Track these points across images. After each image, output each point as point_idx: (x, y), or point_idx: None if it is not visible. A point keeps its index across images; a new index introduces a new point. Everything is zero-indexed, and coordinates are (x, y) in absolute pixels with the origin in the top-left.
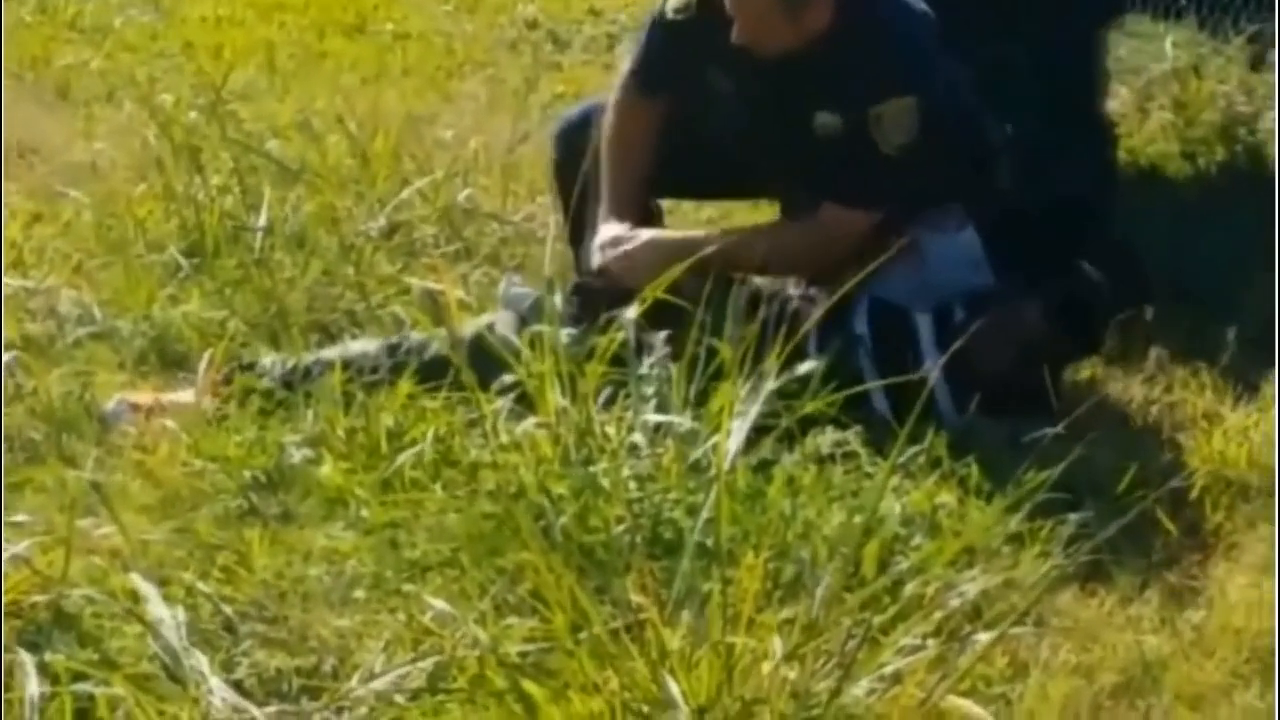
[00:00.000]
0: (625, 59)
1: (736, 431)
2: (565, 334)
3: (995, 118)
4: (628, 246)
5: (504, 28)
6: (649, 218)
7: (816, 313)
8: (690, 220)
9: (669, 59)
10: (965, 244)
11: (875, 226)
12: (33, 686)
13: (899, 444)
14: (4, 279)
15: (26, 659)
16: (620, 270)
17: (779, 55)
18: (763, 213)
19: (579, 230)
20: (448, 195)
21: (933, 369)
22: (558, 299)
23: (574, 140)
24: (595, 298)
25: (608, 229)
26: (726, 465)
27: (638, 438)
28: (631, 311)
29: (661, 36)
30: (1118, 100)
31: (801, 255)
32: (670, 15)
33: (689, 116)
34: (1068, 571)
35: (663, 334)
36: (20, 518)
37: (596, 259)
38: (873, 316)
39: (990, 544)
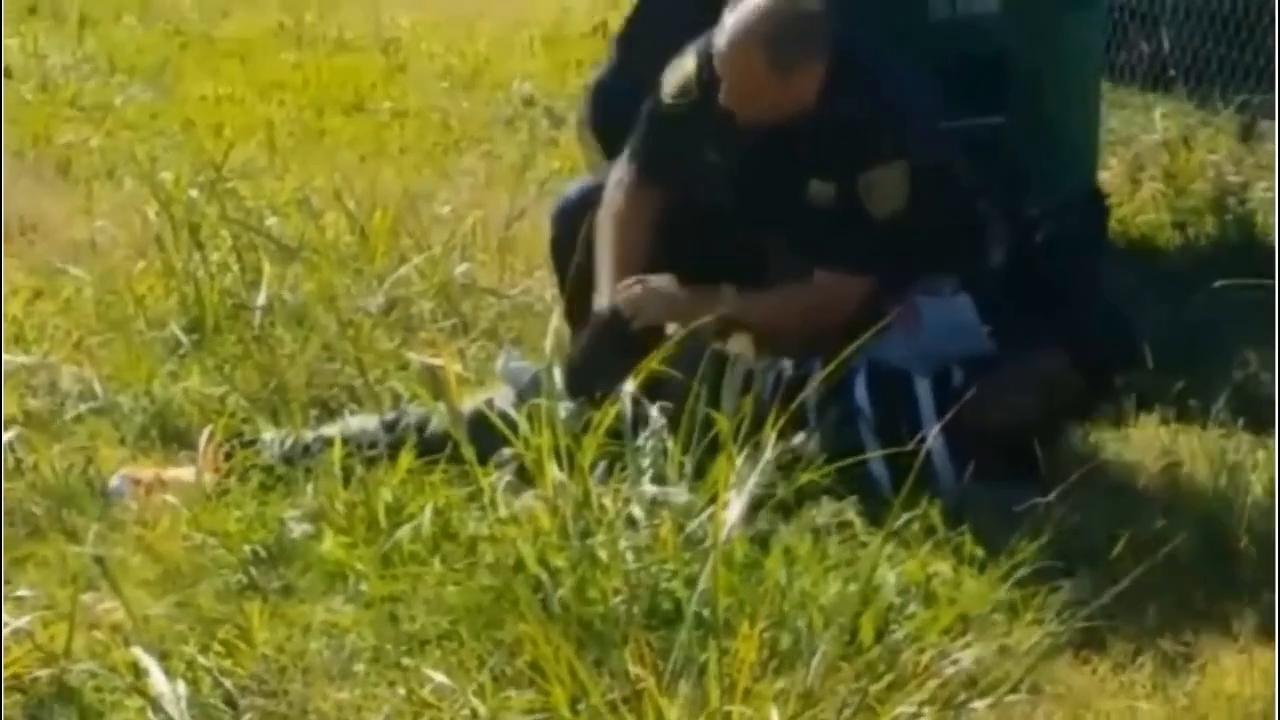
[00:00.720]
0: (627, 146)
1: (734, 503)
2: (563, 408)
3: (985, 187)
4: (638, 288)
5: (501, 105)
6: None
7: (813, 383)
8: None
9: (669, 147)
10: (960, 309)
11: (870, 293)
12: None
13: (894, 514)
14: (5, 355)
15: None
16: (631, 308)
17: (770, 125)
18: None
19: (575, 307)
20: (445, 271)
21: (932, 433)
22: (556, 373)
23: (572, 219)
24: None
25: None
26: (724, 536)
27: (635, 510)
28: (629, 385)
29: (661, 124)
30: (1108, 171)
31: (796, 317)
32: (669, 102)
33: (688, 199)
34: (1061, 639)
35: (659, 407)
36: (22, 592)
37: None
38: (872, 382)
39: (985, 612)
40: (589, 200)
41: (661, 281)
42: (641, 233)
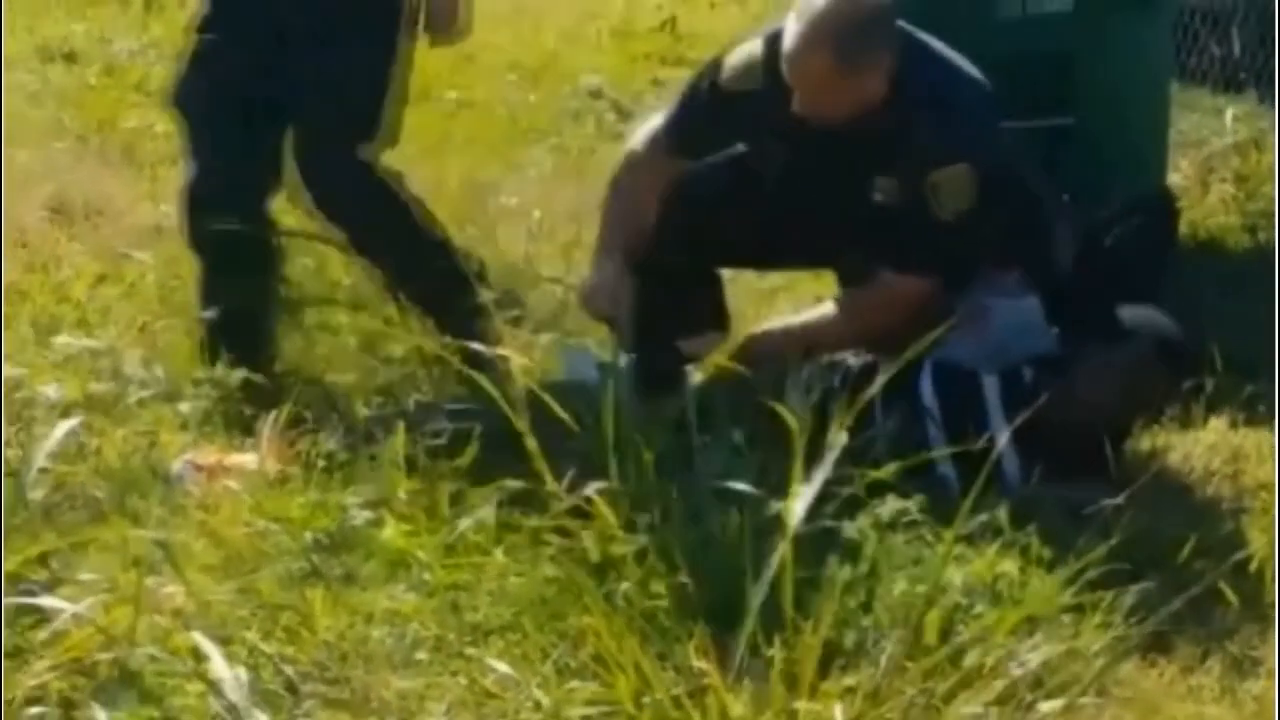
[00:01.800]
0: (656, 121)
1: (800, 498)
2: (630, 399)
3: (1053, 188)
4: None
5: (567, 97)
6: None
7: (880, 380)
8: (753, 290)
9: (709, 125)
10: (1028, 309)
11: (933, 293)
12: None
13: (962, 515)
14: (68, 338)
15: (98, 715)
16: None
17: (837, 124)
18: (825, 281)
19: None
20: (511, 263)
21: (1001, 433)
22: (622, 365)
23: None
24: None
25: (602, 271)
26: (790, 532)
27: (700, 503)
28: (695, 380)
29: (707, 104)
30: (1179, 173)
31: (862, 327)
32: (725, 84)
33: (748, 186)
34: (1129, 642)
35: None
36: (85, 576)
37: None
38: (939, 381)
39: (1052, 614)
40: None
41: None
42: (653, 202)
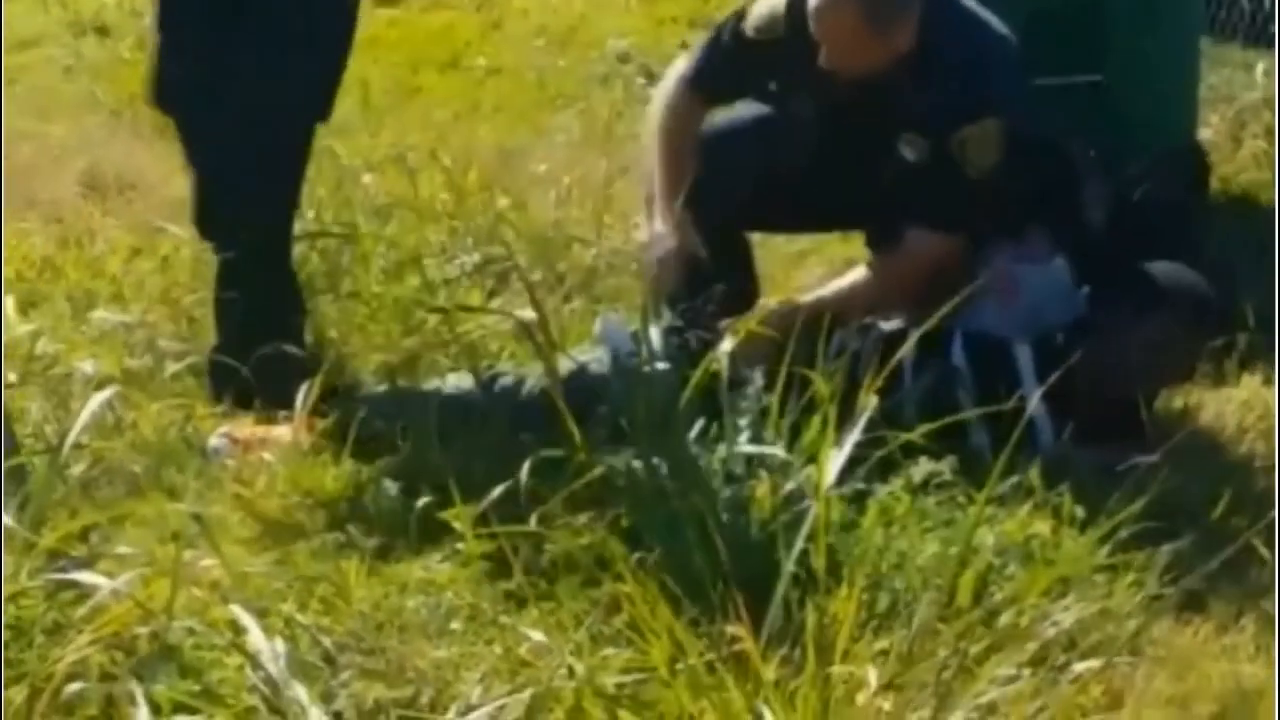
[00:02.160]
0: (682, 64)
1: (832, 462)
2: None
3: (1082, 145)
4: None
5: (595, 62)
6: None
7: (910, 343)
8: (781, 254)
9: (732, 72)
10: (1056, 273)
11: (965, 257)
12: (142, 717)
13: (994, 477)
14: (104, 313)
15: (136, 690)
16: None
17: (863, 79)
18: (854, 243)
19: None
20: (541, 228)
21: (1033, 397)
22: (654, 333)
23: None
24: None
25: (660, 225)
26: (822, 495)
27: (732, 469)
28: (726, 345)
29: (731, 50)
30: (1210, 129)
31: (892, 289)
32: (749, 33)
33: (774, 145)
34: (1163, 601)
35: (757, 366)
36: (122, 550)
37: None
38: (970, 348)
39: (1085, 574)
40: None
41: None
42: (692, 141)
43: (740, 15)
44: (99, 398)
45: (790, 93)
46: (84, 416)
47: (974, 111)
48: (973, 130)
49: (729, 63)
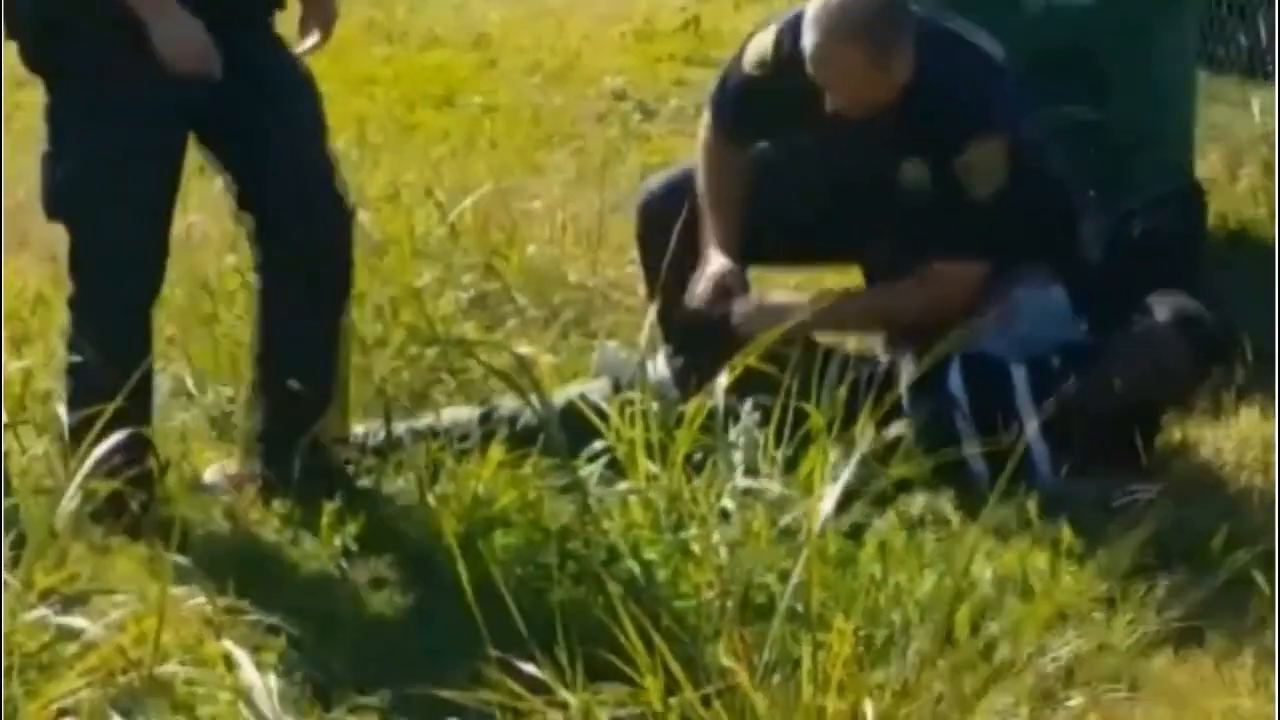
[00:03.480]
0: (705, 113)
1: (828, 496)
2: (656, 401)
3: (1080, 181)
4: (745, 308)
5: (592, 100)
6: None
7: (907, 375)
8: (776, 286)
9: (749, 110)
10: (1056, 299)
11: (986, 277)
12: None
13: (990, 506)
14: None
15: None
16: (745, 323)
17: (863, 116)
18: (852, 277)
19: (667, 300)
20: (536, 265)
21: (1031, 423)
22: (655, 365)
23: (657, 211)
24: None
25: (717, 261)
26: (817, 529)
27: (728, 503)
28: (722, 379)
29: (740, 89)
30: (1207, 164)
31: (915, 312)
32: (749, 70)
33: (772, 180)
34: (1161, 635)
35: (751, 400)
36: (113, 587)
37: (703, 289)
38: (967, 371)
39: (1083, 607)
40: (673, 192)
41: (780, 295)
42: (740, 193)
43: (740, 57)
44: (105, 445)
45: (796, 126)
46: (89, 463)
47: (976, 132)
48: (976, 152)
49: (742, 102)
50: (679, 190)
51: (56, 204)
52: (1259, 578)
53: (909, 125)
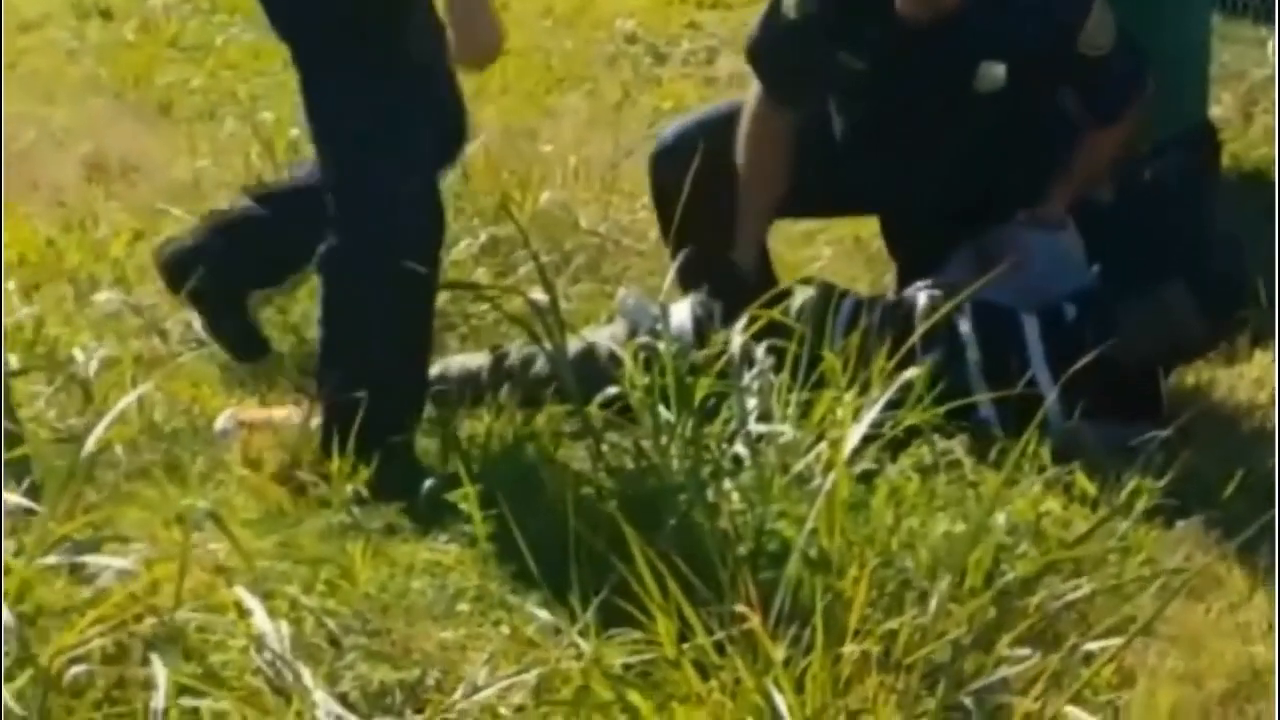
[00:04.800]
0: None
1: (848, 439)
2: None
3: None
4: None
5: (603, 43)
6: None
7: (923, 325)
8: (786, 233)
9: (796, 64)
10: (1068, 243)
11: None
12: (159, 700)
13: (1011, 458)
14: (109, 295)
15: (159, 670)
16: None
17: (930, 17)
18: (860, 224)
19: (683, 245)
20: (547, 210)
21: (1042, 372)
22: (674, 312)
23: (671, 162)
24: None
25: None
26: (834, 475)
27: (741, 449)
28: (739, 326)
29: (784, 42)
30: (1220, 106)
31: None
32: (791, 16)
33: (822, 123)
34: (1175, 580)
35: (765, 344)
36: (127, 533)
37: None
38: (977, 318)
39: (1097, 552)
40: (686, 142)
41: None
42: (779, 158)
43: (776, 5)
44: (129, 398)
45: (837, 54)
46: (111, 415)
47: (1055, 30)
48: (1090, 19)
49: (791, 56)
50: (692, 138)
51: None
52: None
53: (978, 19)
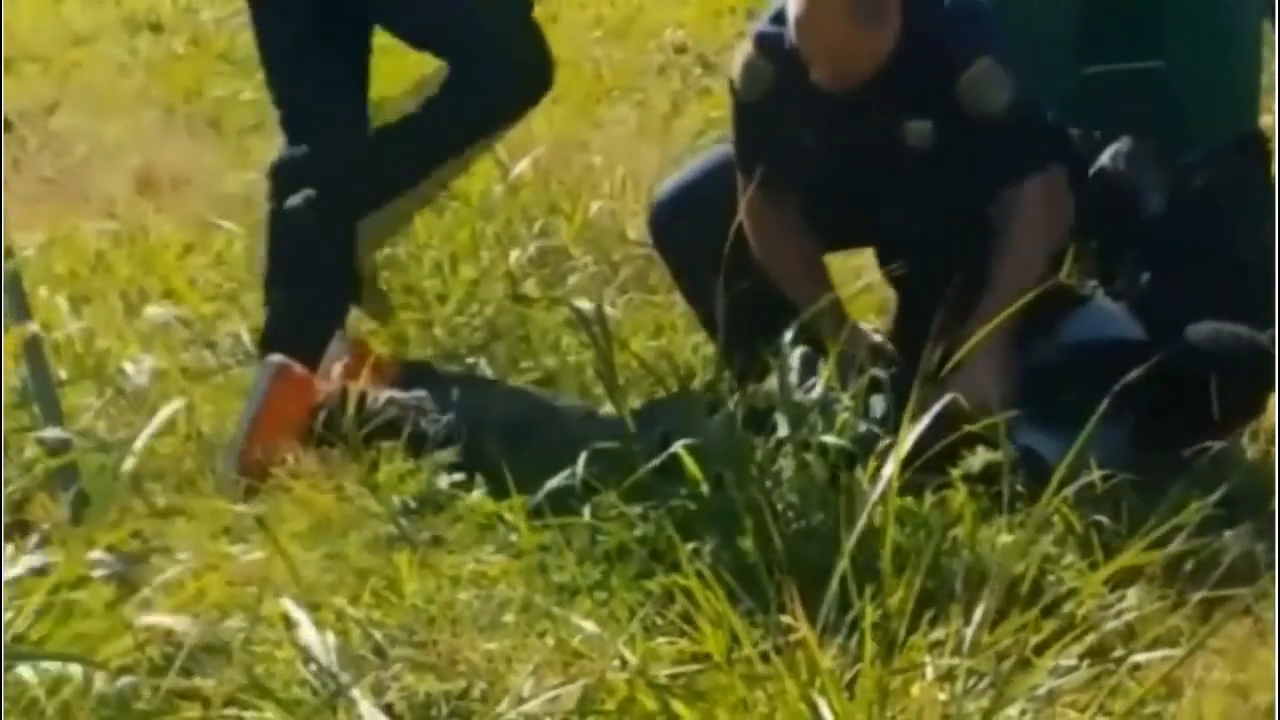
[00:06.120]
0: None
1: (897, 450)
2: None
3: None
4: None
5: (653, 53)
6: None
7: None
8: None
9: (764, 144)
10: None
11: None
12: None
13: (1055, 481)
14: (158, 309)
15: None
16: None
17: (856, 85)
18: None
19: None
20: (596, 221)
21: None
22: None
23: (668, 221)
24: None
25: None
26: (884, 486)
27: (787, 459)
28: (787, 335)
29: (749, 125)
30: (1271, 115)
31: (1047, 236)
32: (745, 99)
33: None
34: (1225, 592)
35: (812, 355)
36: (174, 544)
37: None
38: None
39: (1146, 563)
40: (684, 197)
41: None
42: (792, 235)
43: (734, 90)
44: (171, 407)
45: (795, 129)
46: (155, 423)
47: (967, 54)
48: (974, 70)
49: (759, 138)
50: (690, 194)
51: None
52: None
53: (903, 82)
